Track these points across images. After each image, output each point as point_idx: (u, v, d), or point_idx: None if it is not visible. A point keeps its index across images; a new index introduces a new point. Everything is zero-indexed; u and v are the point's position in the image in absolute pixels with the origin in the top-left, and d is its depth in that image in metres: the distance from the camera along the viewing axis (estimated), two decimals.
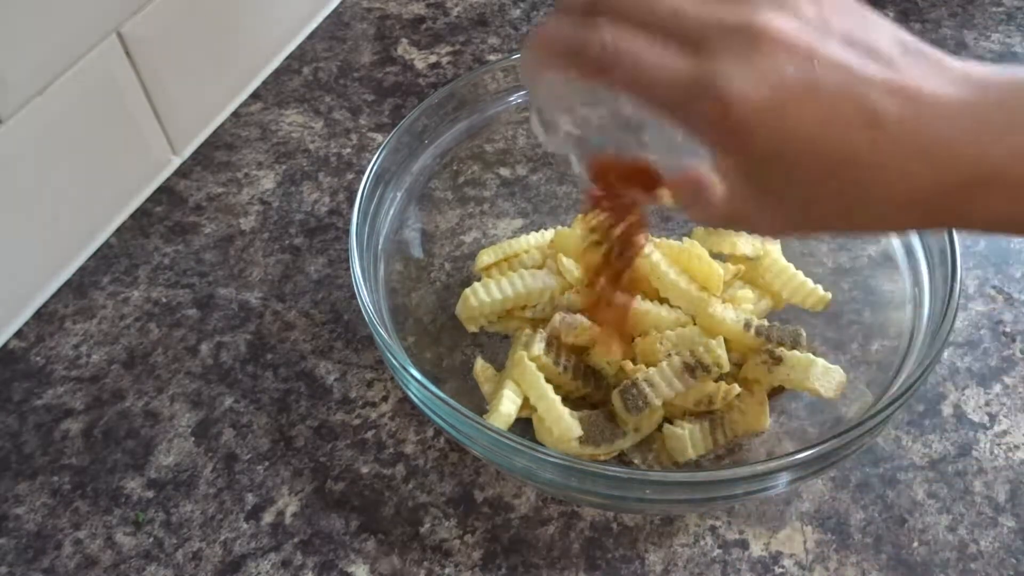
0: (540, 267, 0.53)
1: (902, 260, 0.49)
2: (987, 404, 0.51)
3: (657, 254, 0.51)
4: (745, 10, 0.28)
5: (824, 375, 0.46)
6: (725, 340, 0.47)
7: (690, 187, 0.31)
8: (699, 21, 0.29)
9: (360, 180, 0.49)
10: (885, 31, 0.29)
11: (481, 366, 0.51)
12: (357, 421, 0.51)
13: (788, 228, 0.32)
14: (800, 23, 0.28)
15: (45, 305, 0.57)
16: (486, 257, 0.54)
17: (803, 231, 0.32)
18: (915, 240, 0.49)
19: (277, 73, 0.73)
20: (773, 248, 0.53)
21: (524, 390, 0.47)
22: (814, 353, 0.48)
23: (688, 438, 0.46)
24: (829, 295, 0.51)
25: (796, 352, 0.47)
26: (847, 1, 0.30)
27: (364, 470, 0.49)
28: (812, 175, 0.29)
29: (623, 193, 0.38)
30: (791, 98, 0.27)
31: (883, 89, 0.27)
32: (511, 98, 0.56)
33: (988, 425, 0.50)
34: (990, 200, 0.28)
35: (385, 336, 0.43)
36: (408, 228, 0.54)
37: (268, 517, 0.47)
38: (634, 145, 0.33)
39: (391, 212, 0.52)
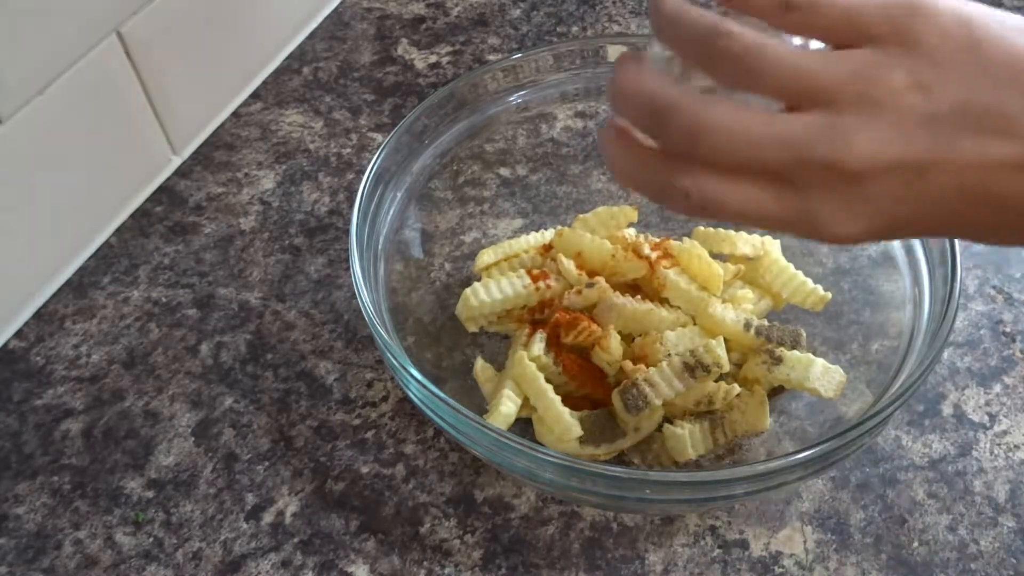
0: (540, 267, 0.53)
1: (902, 260, 0.49)
2: (987, 404, 0.51)
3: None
4: (838, 143, 0.26)
5: (824, 375, 0.46)
6: (725, 340, 0.47)
7: None
8: (794, 161, 0.27)
9: (360, 180, 0.49)
10: (1008, 66, 0.26)
11: (481, 366, 0.51)
12: (357, 421, 0.51)
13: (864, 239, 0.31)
14: (899, 133, 0.26)
15: (45, 305, 0.57)
16: (486, 257, 0.54)
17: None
18: (915, 240, 0.49)
19: (277, 73, 0.73)
20: (773, 248, 0.53)
21: (524, 390, 0.47)
22: (814, 353, 0.48)
23: (688, 438, 0.46)
24: (829, 295, 0.51)
25: (796, 352, 0.47)
26: (959, 47, 0.26)
27: (364, 470, 0.49)
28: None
29: None
30: (902, 222, 0.27)
31: (1008, 168, 0.26)
32: (511, 98, 0.56)
33: (988, 425, 0.50)
34: None
35: (385, 336, 0.43)
36: (408, 228, 0.54)
37: (268, 517, 0.47)
38: None
39: (391, 212, 0.52)
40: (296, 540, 0.46)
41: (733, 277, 0.52)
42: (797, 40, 0.29)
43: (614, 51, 0.56)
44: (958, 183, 0.26)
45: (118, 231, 0.62)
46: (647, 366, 0.47)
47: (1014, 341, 0.53)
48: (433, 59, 0.74)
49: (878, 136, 0.26)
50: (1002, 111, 0.26)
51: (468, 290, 0.51)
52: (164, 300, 0.57)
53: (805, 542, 0.46)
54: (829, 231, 0.27)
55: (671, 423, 0.47)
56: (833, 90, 0.27)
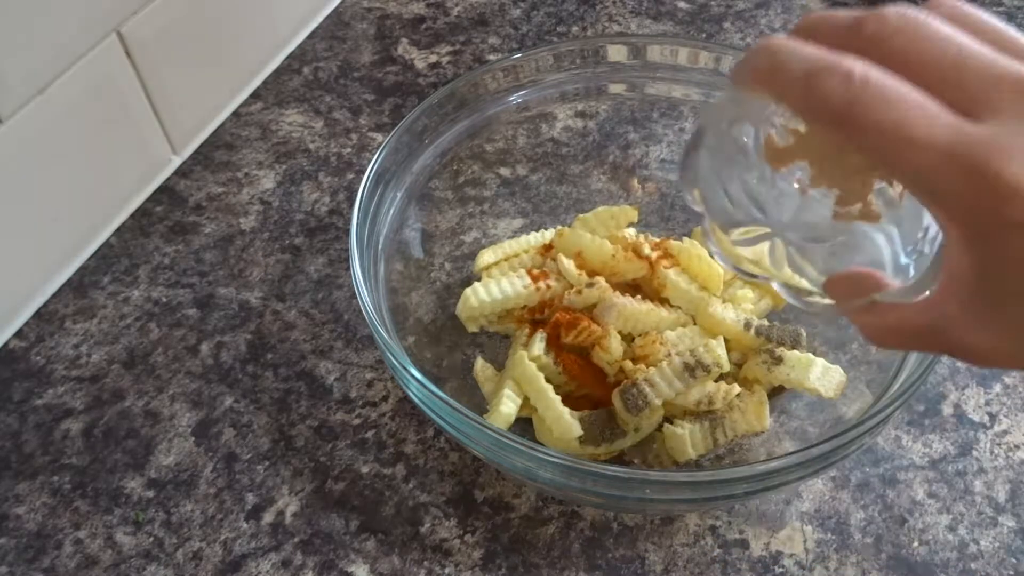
0: (540, 267, 0.53)
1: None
2: (987, 404, 0.51)
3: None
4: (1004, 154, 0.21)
5: (824, 375, 0.46)
6: (725, 340, 0.47)
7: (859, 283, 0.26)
8: (980, 75, 0.23)
9: (360, 180, 0.49)
10: None
11: (481, 366, 0.51)
12: (357, 421, 0.51)
13: (1009, 357, 0.25)
14: None
15: (45, 305, 0.57)
16: (486, 257, 0.54)
17: None
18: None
19: (277, 73, 0.73)
20: None
21: (524, 390, 0.47)
22: (814, 353, 0.48)
23: (688, 438, 0.46)
24: None
25: (796, 352, 0.47)
26: None
27: (364, 470, 0.49)
28: None
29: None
30: None
31: None
32: (511, 98, 0.56)
33: (988, 425, 0.50)
34: None
35: (385, 336, 0.43)
36: (408, 228, 0.54)
37: (268, 517, 0.47)
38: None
39: (391, 212, 0.52)
40: (296, 540, 0.46)
41: (733, 277, 0.52)
42: None
43: (614, 51, 0.56)
44: None
45: (118, 231, 0.62)
46: (647, 366, 0.47)
47: None
48: (433, 59, 0.74)
49: None
50: None
51: (468, 290, 0.51)
52: (164, 300, 0.57)
53: (805, 542, 0.46)
54: (1001, 176, 0.22)
55: (671, 423, 0.47)
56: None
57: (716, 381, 0.47)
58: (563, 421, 0.45)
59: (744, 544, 0.46)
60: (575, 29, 0.77)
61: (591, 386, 0.49)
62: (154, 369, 0.54)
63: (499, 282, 0.50)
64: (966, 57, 0.23)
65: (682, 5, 0.78)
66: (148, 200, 0.63)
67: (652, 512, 0.46)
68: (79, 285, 0.58)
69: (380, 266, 0.50)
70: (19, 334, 0.56)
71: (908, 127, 0.22)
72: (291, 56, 0.74)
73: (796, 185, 0.28)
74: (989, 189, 0.22)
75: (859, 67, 0.23)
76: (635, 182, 0.61)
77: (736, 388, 0.47)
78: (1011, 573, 0.44)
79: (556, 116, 0.61)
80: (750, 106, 0.28)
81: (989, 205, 0.22)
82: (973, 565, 0.44)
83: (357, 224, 0.47)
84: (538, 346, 0.48)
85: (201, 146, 0.67)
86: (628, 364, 0.48)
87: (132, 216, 0.62)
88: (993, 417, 0.50)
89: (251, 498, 0.48)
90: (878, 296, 0.27)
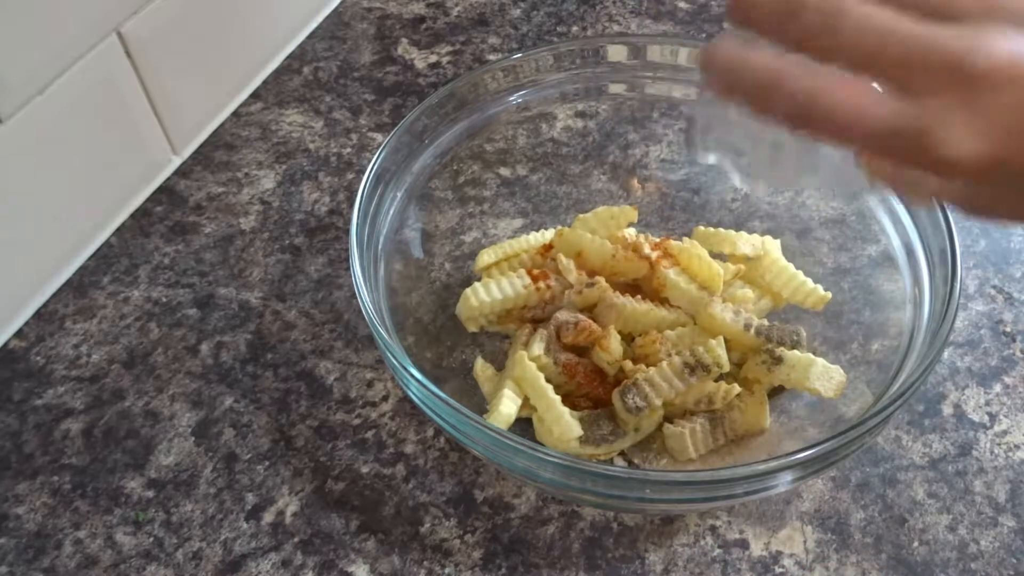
0: (540, 267, 0.53)
1: (902, 260, 0.49)
2: (987, 404, 0.51)
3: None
4: (967, 36, 0.24)
5: (824, 375, 0.46)
6: (725, 340, 0.47)
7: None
8: (919, 59, 0.25)
9: (360, 180, 0.49)
10: None
11: (481, 366, 0.51)
12: (357, 421, 0.51)
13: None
14: None
15: (45, 305, 0.57)
16: (486, 257, 0.54)
17: None
18: (915, 240, 0.49)
19: (277, 73, 0.73)
20: (773, 248, 0.53)
21: (524, 390, 0.47)
22: (814, 353, 0.48)
23: (688, 438, 0.46)
24: (829, 294, 0.51)
25: (796, 352, 0.47)
26: None
27: (364, 470, 0.49)
28: None
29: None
30: (1018, 136, 0.24)
31: None
32: (511, 98, 0.56)
33: (988, 425, 0.50)
34: None
35: (385, 336, 0.43)
36: (408, 228, 0.54)
37: (268, 517, 0.47)
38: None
39: (391, 212, 0.52)
40: (296, 540, 0.46)
41: (733, 277, 0.53)
42: None
43: (614, 51, 0.56)
44: None
45: (118, 231, 0.62)
46: (647, 366, 0.47)
47: (1014, 341, 0.53)
48: (433, 59, 0.74)
49: (1015, 46, 0.24)
50: None
51: (468, 290, 0.51)
52: (164, 300, 0.57)
53: (805, 542, 0.46)
54: (941, 150, 0.25)
55: (671, 423, 0.47)
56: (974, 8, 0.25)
57: (716, 381, 0.47)
58: (563, 421, 0.45)
59: (744, 544, 0.46)
60: (575, 29, 0.77)
61: (591, 386, 0.49)
62: (154, 369, 0.54)
63: (499, 282, 0.50)
64: (888, 45, 0.25)
65: (682, 5, 0.78)
66: (148, 200, 0.63)
67: (652, 512, 0.46)
68: (79, 285, 0.58)
69: (380, 266, 0.50)
70: (19, 334, 0.56)
71: (858, 123, 0.26)
72: (291, 56, 0.74)
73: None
74: (938, 164, 0.25)
75: (808, 82, 0.26)
76: (635, 182, 0.61)
77: (736, 388, 0.47)
78: (1011, 573, 0.44)
79: (556, 116, 0.61)
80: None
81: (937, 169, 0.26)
82: (973, 565, 0.44)
83: (357, 224, 0.47)
84: (538, 346, 0.48)
85: (201, 146, 0.67)
86: (628, 364, 0.48)
87: (132, 216, 0.62)
88: (993, 417, 0.50)
89: (251, 498, 0.48)
90: None
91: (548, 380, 0.46)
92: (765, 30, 0.27)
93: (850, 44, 0.26)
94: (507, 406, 0.45)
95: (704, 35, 0.76)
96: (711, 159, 0.34)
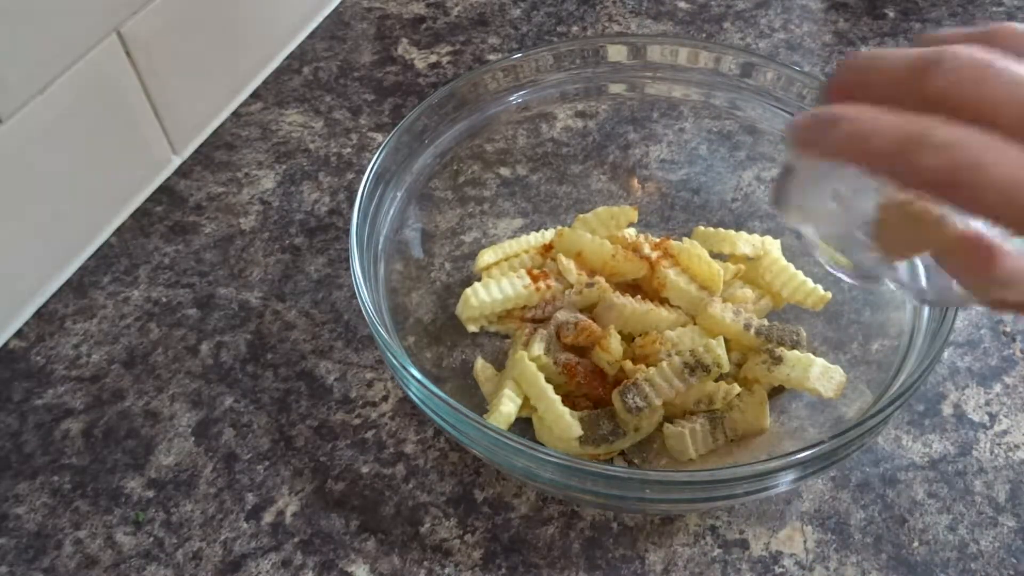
0: (540, 267, 0.53)
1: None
2: (987, 404, 0.51)
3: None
4: None
5: (824, 375, 0.46)
6: (725, 340, 0.47)
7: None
8: None
9: (360, 180, 0.49)
10: None
11: (481, 366, 0.51)
12: (357, 421, 0.51)
13: None
14: None
15: (45, 305, 0.57)
16: (486, 257, 0.54)
17: None
18: None
19: (277, 73, 0.73)
20: (773, 248, 0.53)
21: (524, 390, 0.47)
22: (814, 353, 0.48)
23: (688, 438, 0.46)
24: (829, 294, 0.51)
25: (796, 352, 0.47)
26: None
27: (364, 470, 0.49)
28: None
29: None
30: None
31: None
32: (511, 98, 0.56)
33: (988, 425, 0.50)
34: None
35: (385, 336, 0.43)
36: (408, 228, 0.54)
37: (268, 517, 0.47)
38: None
39: (391, 212, 0.52)
40: (296, 540, 0.46)
41: (733, 277, 0.53)
42: None
43: (614, 51, 0.56)
44: None
45: (118, 231, 0.62)
46: (647, 366, 0.47)
47: (1014, 341, 0.53)
48: (433, 59, 0.74)
49: None
50: None
51: (468, 290, 0.51)
52: (164, 300, 0.57)
53: (805, 542, 0.46)
54: None
55: (671, 423, 0.47)
56: None
57: (716, 381, 0.47)
58: (563, 421, 0.45)
59: (744, 544, 0.46)
60: (575, 29, 0.77)
61: (591, 386, 0.49)
62: (154, 369, 0.54)
63: (499, 282, 0.51)
64: None
65: (682, 5, 0.78)
66: (148, 200, 0.64)
67: (652, 512, 0.46)
68: (79, 285, 0.58)
69: (380, 266, 0.50)
70: (19, 334, 0.56)
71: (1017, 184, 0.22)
72: (291, 56, 0.74)
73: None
74: None
75: (950, 134, 0.22)
76: (635, 182, 0.61)
77: (736, 388, 0.47)
78: (1011, 573, 0.44)
79: (556, 116, 0.61)
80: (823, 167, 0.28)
81: None
82: (973, 565, 0.44)
83: (357, 224, 0.47)
84: (538, 346, 0.48)
85: (201, 146, 0.67)
86: (628, 364, 0.48)
87: (132, 216, 0.62)
88: (993, 417, 0.50)
89: (251, 498, 0.48)
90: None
91: (548, 380, 0.46)
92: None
93: (991, 102, 0.23)
94: (507, 406, 0.45)
95: (704, 35, 0.76)
96: (800, 226, 0.31)
